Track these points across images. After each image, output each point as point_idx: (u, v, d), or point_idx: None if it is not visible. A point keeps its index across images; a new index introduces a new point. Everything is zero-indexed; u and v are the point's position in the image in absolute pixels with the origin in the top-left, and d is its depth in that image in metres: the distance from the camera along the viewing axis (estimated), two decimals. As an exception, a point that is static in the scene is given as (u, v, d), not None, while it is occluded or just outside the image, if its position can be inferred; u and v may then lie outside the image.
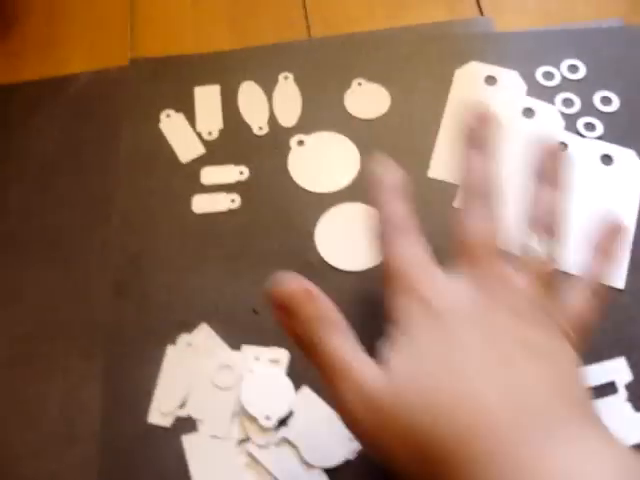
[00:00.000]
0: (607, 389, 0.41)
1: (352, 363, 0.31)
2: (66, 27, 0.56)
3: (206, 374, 0.42)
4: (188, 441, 0.40)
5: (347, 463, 0.39)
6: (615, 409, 0.40)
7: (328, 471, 0.39)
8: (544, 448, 0.26)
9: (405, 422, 0.29)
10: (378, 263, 0.43)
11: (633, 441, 0.39)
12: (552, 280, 0.34)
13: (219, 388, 0.42)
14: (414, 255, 0.34)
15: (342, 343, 0.32)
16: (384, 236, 0.35)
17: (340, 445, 0.39)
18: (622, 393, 0.40)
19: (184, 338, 0.43)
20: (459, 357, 0.29)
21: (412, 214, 0.36)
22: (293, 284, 0.32)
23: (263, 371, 0.42)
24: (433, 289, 0.32)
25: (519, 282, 0.32)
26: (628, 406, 0.40)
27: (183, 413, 0.41)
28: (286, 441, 0.40)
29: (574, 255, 0.43)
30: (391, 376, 0.30)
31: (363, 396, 0.30)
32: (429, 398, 0.29)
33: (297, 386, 0.41)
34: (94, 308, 0.45)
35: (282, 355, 0.42)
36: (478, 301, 0.31)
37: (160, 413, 0.41)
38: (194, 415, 0.41)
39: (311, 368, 0.40)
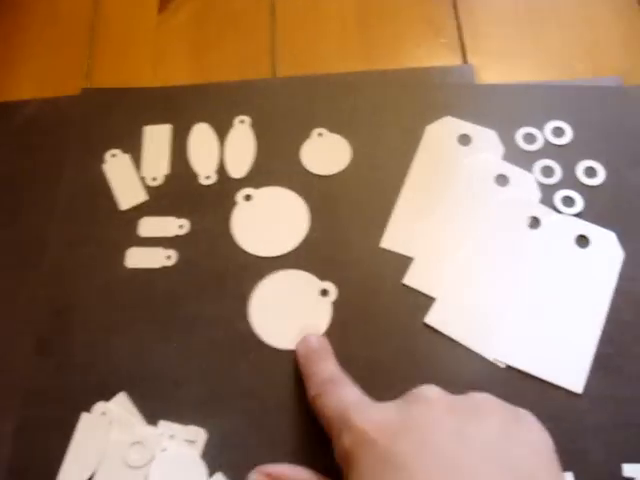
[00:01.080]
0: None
1: None
2: (20, 48, 0.53)
3: (118, 449, 0.39)
4: None
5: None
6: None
7: None
8: None
9: None
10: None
11: None
12: None
13: (129, 466, 0.39)
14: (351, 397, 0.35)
15: None
16: (321, 389, 0.36)
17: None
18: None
19: (100, 406, 0.41)
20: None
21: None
22: None
23: (176, 451, 0.39)
24: (367, 420, 0.32)
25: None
26: (570, 533, 0.36)
27: (89, 491, 0.39)
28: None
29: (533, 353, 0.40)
30: None
31: None
32: None
33: (211, 471, 0.38)
34: (12, 363, 0.42)
35: (199, 435, 0.40)
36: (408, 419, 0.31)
37: (65, 488, 0.39)
38: (99, 495, 0.39)
39: (227, 452, 0.38)
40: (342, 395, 0.35)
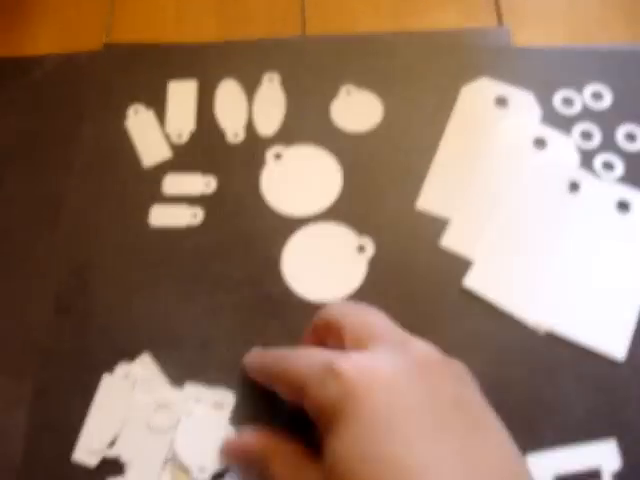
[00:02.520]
0: (592, 476, 0.35)
1: None
2: (39, 2, 0.51)
3: (142, 412, 0.38)
4: None
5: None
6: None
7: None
8: None
9: None
10: (352, 292, 0.40)
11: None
12: None
13: (153, 430, 0.37)
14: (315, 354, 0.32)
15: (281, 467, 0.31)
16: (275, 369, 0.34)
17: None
18: (607, 482, 0.35)
19: (122, 368, 0.39)
20: (395, 444, 0.26)
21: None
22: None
23: (203, 415, 0.38)
24: (357, 368, 0.28)
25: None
26: (612, 501, 0.35)
27: (111, 453, 0.37)
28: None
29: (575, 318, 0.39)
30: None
31: None
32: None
33: (239, 436, 0.37)
34: (31, 323, 0.41)
35: (227, 399, 0.38)
36: (400, 372, 0.28)
37: (87, 450, 0.37)
38: (123, 457, 0.37)
39: (257, 418, 0.36)
40: (315, 351, 0.32)
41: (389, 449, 0.26)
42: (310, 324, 0.37)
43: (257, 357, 0.37)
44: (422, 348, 0.30)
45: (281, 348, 0.35)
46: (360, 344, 0.30)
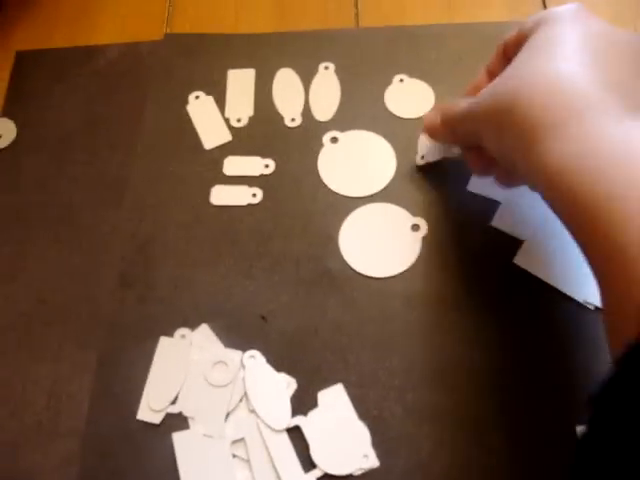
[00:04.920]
0: None
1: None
2: (102, -6, 0.53)
3: (200, 370, 0.39)
4: (179, 439, 0.38)
5: (349, 476, 0.36)
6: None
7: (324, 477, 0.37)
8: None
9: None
10: (407, 268, 0.41)
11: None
12: None
13: (213, 385, 0.39)
14: None
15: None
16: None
17: (350, 457, 0.37)
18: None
19: (180, 331, 0.41)
20: (557, 48, 0.31)
21: None
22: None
23: (261, 367, 0.39)
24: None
25: None
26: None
27: (174, 410, 0.38)
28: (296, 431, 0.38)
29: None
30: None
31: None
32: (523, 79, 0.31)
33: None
34: (96, 295, 0.42)
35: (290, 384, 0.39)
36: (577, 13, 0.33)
37: (150, 409, 0.39)
38: (186, 412, 0.38)
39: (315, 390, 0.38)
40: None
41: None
42: (370, 300, 0.39)
43: (436, 116, 0.40)
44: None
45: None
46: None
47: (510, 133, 0.31)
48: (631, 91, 0.30)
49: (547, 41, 0.32)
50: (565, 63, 0.30)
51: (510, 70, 0.33)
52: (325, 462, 0.37)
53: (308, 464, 0.37)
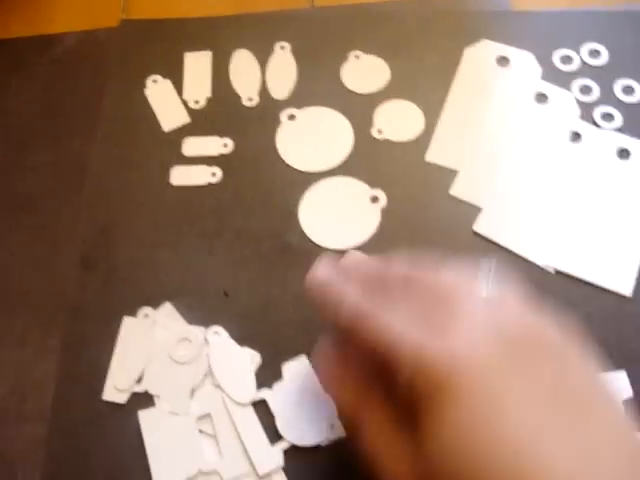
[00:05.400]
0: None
1: (379, 450, 0.28)
2: (56, -17, 0.53)
3: (164, 347, 0.39)
4: (145, 417, 0.38)
5: (316, 447, 0.36)
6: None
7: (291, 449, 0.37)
8: None
9: None
10: (368, 239, 0.41)
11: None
12: None
13: (178, 362, 0.39)
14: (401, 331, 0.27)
15: (377, 425, 0.29)
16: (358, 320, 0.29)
17: (317, 427, 0.37)
18: (620, 410, 0.36)
19: (143, 310, 0.41)
20: (509, 415, 0.24)
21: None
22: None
23: (224, 342, 0.39)
24: (444, 355, 0.26)
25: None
26: (625, 425, 0.36)
27: (139, 389, 0.38)
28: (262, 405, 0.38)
29: (582, 258, 0.40)
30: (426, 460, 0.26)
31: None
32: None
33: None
34: (58, 280, 0.42)
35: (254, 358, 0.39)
36: (493, 349, 0.26)
37: (115, 389, 0.38)
38: (151, 390, 0.38)
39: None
40: (399, 325, 0.27)
41: (498, 431, 0.24)
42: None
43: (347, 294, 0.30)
44: (512, 318, 0.27)
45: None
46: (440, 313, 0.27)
47: None
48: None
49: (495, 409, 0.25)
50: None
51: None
52: (292, 434, 0.37)
53: (275, 436, 0.37)
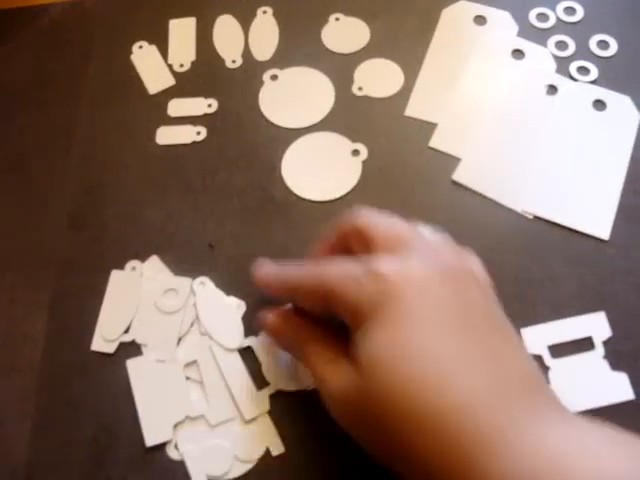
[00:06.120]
0: (583, 345, 0.38)
1: (324, 375, 0.31)
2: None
3: (151, 298, 0.40)
4: (133, 365, 0.38)
5: (302, 392, 0.37)
6: (590, 366, 0.37)
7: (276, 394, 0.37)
8: (538, 431, 0.25)
9: (379, 422, 0.27)
10: (349, 190, 0.42)
11: (607, 401, 0.36)
12: None
13: (164, 312, 0.40)
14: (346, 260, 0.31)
15: (316, 356, 0.32)
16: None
17: (302, 372, 0.37)
18: (599, 350, 0.37)
19: (131, 263, 0.41)
20: (430, 341, 0.27)
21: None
22: (269, 318, 0.35)
23: (210, 293, 0.40)
24: (388, 268, 0.29)
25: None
26: (604, 364, 0.37)
27: (127, 338, 0.39)
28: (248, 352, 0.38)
29: (560, 204, 0.41)
30: (361, 375, 0.28)
31: (336, 401, 0.30)
32: (400, 393, 0.27)
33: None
34: (46, 239, 0.43)
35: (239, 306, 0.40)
36: (432, 276, 0.29)
37: (104, 339, 0.39)
38: (138, 340, 0.39)
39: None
40: (345, 258, 0.32)
41: (422, 344, 0.27)
42: (314, 221, 0.39)
43: (272, 269, 0.35)
44: (453, 258, 0.31)
45: (289, 261, 0.35)
46: (391, 250, 0.31)
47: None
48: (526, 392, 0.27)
49: (415, 334, 0.28)
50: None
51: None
52: (277, 379, 0.37)
53: (261, 382, 0.37)
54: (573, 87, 0.45)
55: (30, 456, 0.36)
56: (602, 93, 0.44)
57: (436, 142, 0.44)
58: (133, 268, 0.41)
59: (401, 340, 0.27)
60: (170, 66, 0.48)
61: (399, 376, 0.27)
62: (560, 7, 0.48)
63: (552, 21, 0.47)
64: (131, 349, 0.39)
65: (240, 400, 0.37)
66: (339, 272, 0.30)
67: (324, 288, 0.31)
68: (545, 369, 0.37)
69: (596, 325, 0.38)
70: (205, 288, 0.40)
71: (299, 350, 0.33)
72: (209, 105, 0.46)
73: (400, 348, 0.27)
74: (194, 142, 0.45)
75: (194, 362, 0.38)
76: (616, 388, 0.36)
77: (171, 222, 0.43)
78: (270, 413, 0.36)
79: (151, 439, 0.36)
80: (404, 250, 0.30)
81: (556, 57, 0.46)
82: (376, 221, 0.32)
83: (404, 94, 0.45)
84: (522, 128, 0.44)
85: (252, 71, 0.47)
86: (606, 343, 0.37)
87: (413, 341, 0.27)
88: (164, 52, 0.49)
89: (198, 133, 0.45)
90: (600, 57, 0.46)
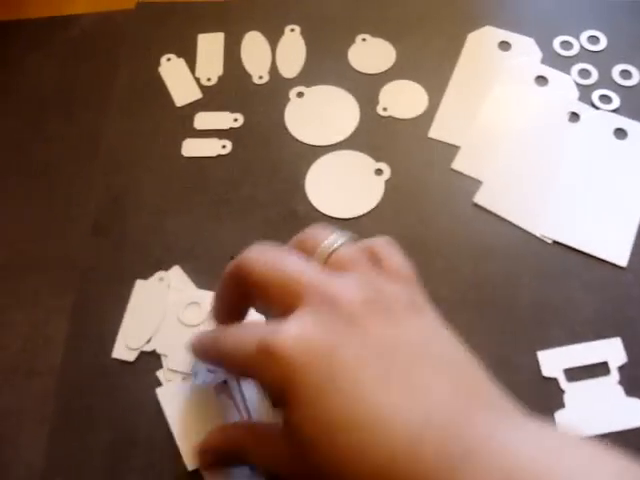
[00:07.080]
0: (599, 369, 0.38)
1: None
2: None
3: (174, 310, 0.41)
4: (162, 392, 0.38)
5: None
6: (605, 391, 0.37)
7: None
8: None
9: None
10: (371, 209, 0.43)
11: (620, 427, 0.36)
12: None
13: (186, 325, 0.40)
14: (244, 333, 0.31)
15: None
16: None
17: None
18: (614, 375, 0.38)
19: (158, 274, 0.42)
20: (353, 404, 0.26)
21: None
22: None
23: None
24: (284, 344, 0.27)
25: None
26: (619, 389, 0.37)
27: (148, 348, 0.40)
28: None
29: (579, 229, 0.41)
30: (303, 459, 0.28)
31: None
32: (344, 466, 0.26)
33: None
34: (71, 245, 0.44)
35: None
36: (332, 334, 0.27)
37: (126, 347, 0.40)
38: (159, 350, 0.39)
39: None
40: (243, 328, 0.31)
41: (342, 408, 0.26)
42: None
43: (198, 339, 0.34)
44: (346, 293, 0.28)
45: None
46: (286, 306, 0.29)
47: None
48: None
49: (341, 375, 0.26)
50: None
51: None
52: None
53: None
54: (595, 115, 0.45)
55: (47, 459, 0.37)
56: (623, 122, 0.45)
57: (458, 164, 0.44)
58: (161, 279, 0.41)
59: (318, 413, 0.26)
60: (197, 79, 0.49)
61: (338, 449, 0.26)
62: (584, 36, 0.49)
63: (576, 49, 0.48)
64: (151, 359, 0.39)
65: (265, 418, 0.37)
66: (241, 352, 0.29)
67: (237, 368, 0.31)
68: (560, 392, 0.37)
69: (612, 350, 0.38)
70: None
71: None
72: (235, 119, 0.47)
73: (319, 421, 0.26)
74: (219, 155, 0.46)
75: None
76: (630, 413, 0.36)
77: (194, 233, 0.43)
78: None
79: (191, 464, 0.36)
80: (298, 307, 0.28)
81: (579, 85, 0.47)
82: (266, 269, 0.31)
83: (428, 116, 0.46)
84: (543, 154, 0.44)
85: (278, 88, 0.48)
86: (621, 368, 0.38)
87: (329, 409, 0.26)
88: (192, 65, 0.49)
89: (223, 147, 0.46)
90: (622, 86, 0.47)
